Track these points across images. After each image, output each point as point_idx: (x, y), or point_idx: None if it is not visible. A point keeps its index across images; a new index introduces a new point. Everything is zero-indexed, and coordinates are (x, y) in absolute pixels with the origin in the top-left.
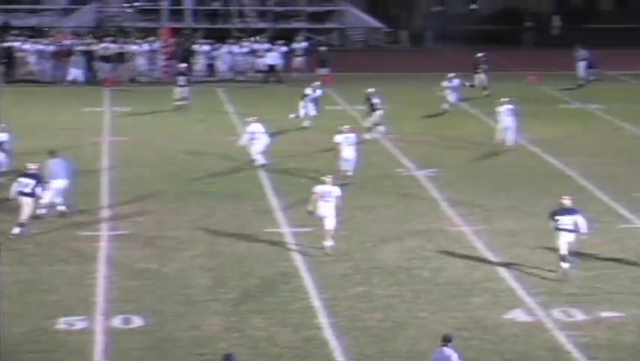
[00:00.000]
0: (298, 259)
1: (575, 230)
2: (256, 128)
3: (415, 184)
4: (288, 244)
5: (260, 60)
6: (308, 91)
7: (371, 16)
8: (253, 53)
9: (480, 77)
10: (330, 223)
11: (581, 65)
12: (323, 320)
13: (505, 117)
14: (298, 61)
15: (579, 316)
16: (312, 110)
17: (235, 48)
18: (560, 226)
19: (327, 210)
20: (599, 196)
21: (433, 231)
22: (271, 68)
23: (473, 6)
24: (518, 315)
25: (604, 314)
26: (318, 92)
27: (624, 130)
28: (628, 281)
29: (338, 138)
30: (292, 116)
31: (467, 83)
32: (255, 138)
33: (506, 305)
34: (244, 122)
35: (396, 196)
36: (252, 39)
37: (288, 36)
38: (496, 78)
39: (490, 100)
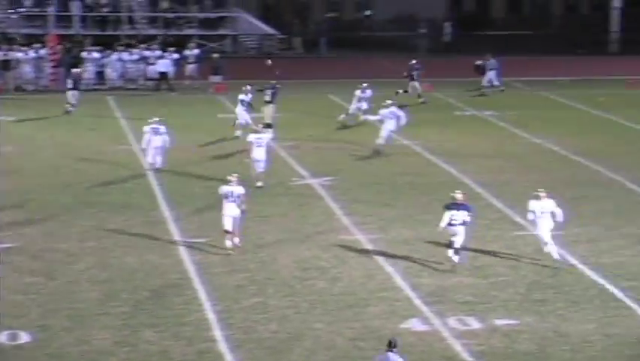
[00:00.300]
0: (192, 271)
1: (465, 223)
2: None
3: (310, 193)
4: (181, 255)
5: (151, 68)
6: (242, 96)
7: (264, 22)
8: (144, 60)
9: (414, 85)
10: (229, 224)
11: (490, 74)
12: (217, 333)
13: (389, 120)
14: (190, 68)
15: (475, 324)
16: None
17: (125, 55)
18: (451, 222)
19: (230, 210)
20: (493, 203)
21: (328, 240)
22: (162, 76)
23: (367, 12)
24: (415, 324)
25: (499, 322)
26: (250, 95)
27: (518, 137)
28: (523, 288)
29: (250, 137)
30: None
31: (400, 90)
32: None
33: (403, 314)
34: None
35: (291, 205)
36: (143, 46)
37: (179, 43)
38: (391, 85)
39: (425, 107)
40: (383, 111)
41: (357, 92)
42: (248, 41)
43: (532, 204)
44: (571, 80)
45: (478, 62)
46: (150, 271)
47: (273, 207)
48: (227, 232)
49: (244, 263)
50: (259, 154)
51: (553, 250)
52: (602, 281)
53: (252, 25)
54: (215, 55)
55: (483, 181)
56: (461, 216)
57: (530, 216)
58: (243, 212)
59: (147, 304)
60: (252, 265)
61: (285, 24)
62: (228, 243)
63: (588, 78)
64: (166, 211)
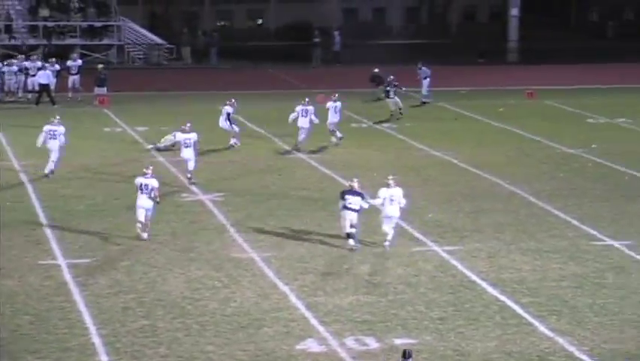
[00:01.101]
0: (76, 293)
1: (359, 210)
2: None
3: (201, 209)
4: (64, 277)
5: (31, 79)
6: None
7: (151, 31)
8: (24, 71)
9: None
10: (141, 215)
11: (425, 83)
12: (103, 358)
13: (302, 118)
14: (72, 80)
15: (373, 344)
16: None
17: (4, 67)
18: (347, 205)
19: (142, 202)
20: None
21: (220, 259)
22: (43, 88)
23: (260, 21)
24: (311, 345)
25: (398, 341)
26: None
27: (416, 149)
28: (422, 306)
29: (179, 137)
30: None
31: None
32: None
33: (298, 335)
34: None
35: (181, 222)
36: (21, 57)
37: (61, 53)
38: (288, 97)
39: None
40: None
41: (329, 103)
42: (134, 51)
43: (382, 192)
44: (469, 90)
45: (376, 71)
46: (31, 294)
47: (162, 224)
48: (140, 222)
49: (131, 284)
50: (188, 154)
51: (390, 233)
52: (502, 297)
53: (138, 34)
54: (100, 65)
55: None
56: (357, 201)
57: (378, 201)
58: (156, 203)
59: (28, 328)
60: (139, 285)
61: (174, 33)
62: (142, 234)
63: (487, 88)
64: (48, 230)
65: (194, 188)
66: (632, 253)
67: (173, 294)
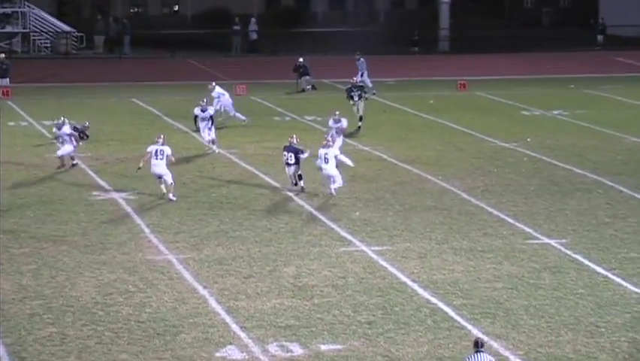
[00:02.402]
0: None
1: (296, 163)
2: None
3: (113, 208)
4: None
5: None
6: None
7: (59, 19)
8: None
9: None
10: (162, 184)
11: (365, 75)
12: None
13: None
14: None
15: (297, 350)
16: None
17: None
18: (286, 160)
19: (160, 168)
20: (317, 216)
21: (134, 261)
22: None
23: (175, 7)
24: (231, 352)
25: (324, 347)
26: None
27: (346, 144)
28: (349, 310)
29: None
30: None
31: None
32: None
33: (218, 342)
34: None
35: (91, 223)
36: None
37: None
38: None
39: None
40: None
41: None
42: (40, 40)
43: (320, 151)
44: (398, 81)
45: (300, 61)
46: None
47: (71, 224)
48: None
49: (39, 289)
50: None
51: (336, 186)
52: (434, 300)
53: (44, 21)
54: (1, 55)
55: (306, 194)
56: (292, 157)
57: (318, 161)
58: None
59: None
60: (47, 290)
61: (83, 21)
62: (169, 195)
63: (417, 79)
64: None
65: (104, 185)
66: (569, 252)
67: (83, 299)
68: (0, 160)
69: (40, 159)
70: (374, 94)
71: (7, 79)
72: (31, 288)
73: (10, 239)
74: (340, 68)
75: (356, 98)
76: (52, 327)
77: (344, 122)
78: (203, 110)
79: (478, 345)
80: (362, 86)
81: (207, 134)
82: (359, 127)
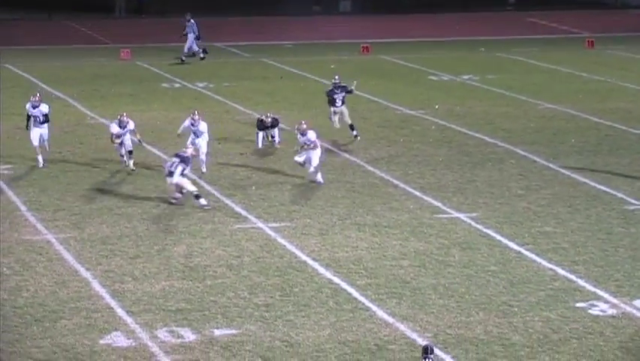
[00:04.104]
0: None
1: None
2: None
3: None
4: None
5: None
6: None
7: None
8: None
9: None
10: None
11: (190, 39)
12: None
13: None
14: None
15: (189, 336)
16: None
17: None
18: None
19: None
20: (210, 191)
21: (9, 241)
22: None
23: None
24: (117, 339)
25: (218, 332)
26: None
27: (238, 112)
28: (245, 292)
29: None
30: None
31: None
32: None
33: (102, 328)
34: None
35: None
36: None
37: None
38: (89, 54)
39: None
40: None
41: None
42: None
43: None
44: (296, 44)
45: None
46: None
47: None
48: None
49: None
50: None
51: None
52: (336, 280)
53: None
54: None
55: (193, 165)
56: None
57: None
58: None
59: None
60: None
61: None
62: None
63: (317, 42)
64: None
65: None
66: (480, 227)
67: None
68: None
69: None
70: (183, 61)
71: None
72: None
73: None
74: (229, 30)
75: (339, 104)
76: None
77: (311, 135)
78: (34, 107)
79: (427, 351)
80: (345, 86)
81: None
82: (355, 136)
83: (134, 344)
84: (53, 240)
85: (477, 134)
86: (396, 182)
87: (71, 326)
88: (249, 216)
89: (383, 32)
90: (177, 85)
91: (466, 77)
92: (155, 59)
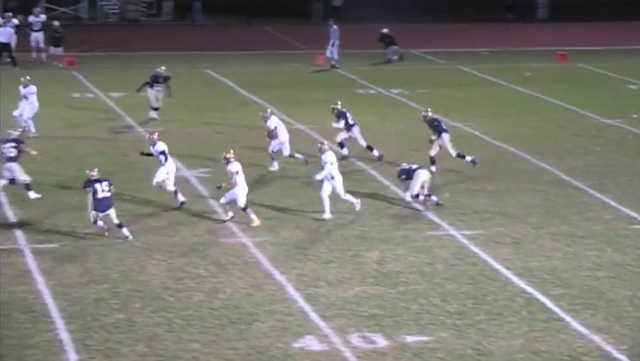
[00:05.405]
0: (40, 282)
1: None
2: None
3: (185, 187)
4: (27, 264)
5: None
6: None
7: None
8: None
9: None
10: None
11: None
12: (72, 356)
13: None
14: (35, 37)
15: (381, 341)
16: None
17: None
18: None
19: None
20: (402, 197)
21: (207, 244)
22: (3, 47)
23: None
24: (310, 343)
25: (410, 339)
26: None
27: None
28: (437, 299)
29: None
30: None
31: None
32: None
33: (296, 331)
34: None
35: (161, 205)
36: None
37: (22, 8)
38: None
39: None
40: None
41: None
42: (107, 5)
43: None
44: (492, 51)
45: (385, 31)
46: None
47: (140, 204)
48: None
49: (104, 273)
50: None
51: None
52: (529, 289)
53: None
54: (55, 22)
55: (392, 171)
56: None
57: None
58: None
59: None
60: (114, 274)
61: None
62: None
63: (512, 49)
64: (8, 209)
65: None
66: None
67: (152, 284)
68: (63, 135)
69: (107, 133)
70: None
71: (61, 48)
72: (97, 271)
73: (76, 218)
74: (427, 37)
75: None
76: (119, 313)
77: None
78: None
79: None
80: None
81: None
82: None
83: (326, 348)
84: (249, 243)
85: None
86: (591, 192)
87: (266, 329)
88: (442, 224)
89: (580, 40)
90: (372, 91)
91: None
92: (351, 65)
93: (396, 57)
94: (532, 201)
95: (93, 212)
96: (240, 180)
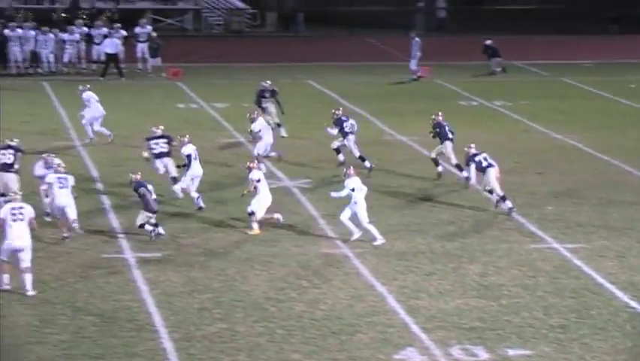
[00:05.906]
0: (144, 291)
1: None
2: None
3: (286, 198)
4: (132, 273)
5: (96, 48)
6: None
7: None
8: (88, 39)
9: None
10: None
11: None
12: None
13: None
14: (141, 48)
15: (483, 354)
16: None
17: (64, 34)
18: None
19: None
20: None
21: (308, 254)
22: (110, 58)
23: None
24: (411, 355)
25: (512, 352)
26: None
27: (534, 131)
28: (540, 313)
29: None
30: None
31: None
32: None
33: (397, 343)
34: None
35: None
36: (80, 22)
37: (128, 18)
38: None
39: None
40: None
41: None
42: (212, 17)
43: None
44: (596, 63)
45: (488, 42)
46: (94, 292)
47: (238, 212)
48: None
49: (207, 282)
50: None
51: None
52: (633, 304)
53: None
54: (153, 33)
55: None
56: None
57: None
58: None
59: (91, 331)
60: (216, 284)
61: None
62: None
63: (617, 61)
64: (113, 218)
65: (280, 173)
66: None
67: (254, 294)
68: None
69: (212, 144)
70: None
71: (159, 58)
72: (200, 281)
73: (179, 228)
74: (529, 49)
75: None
76: (221, 323)
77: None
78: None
79: None
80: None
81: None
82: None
83: (427, 360)
84: (350, 254)
85: None
86: None
87: (367, 340)
88: (545, 237)
89: None
90: (474, 103)
91: None
92: (453, 76)
93: (499, 69)
94: (637, 215)
95: (146, 214)
96: (263, 187)
